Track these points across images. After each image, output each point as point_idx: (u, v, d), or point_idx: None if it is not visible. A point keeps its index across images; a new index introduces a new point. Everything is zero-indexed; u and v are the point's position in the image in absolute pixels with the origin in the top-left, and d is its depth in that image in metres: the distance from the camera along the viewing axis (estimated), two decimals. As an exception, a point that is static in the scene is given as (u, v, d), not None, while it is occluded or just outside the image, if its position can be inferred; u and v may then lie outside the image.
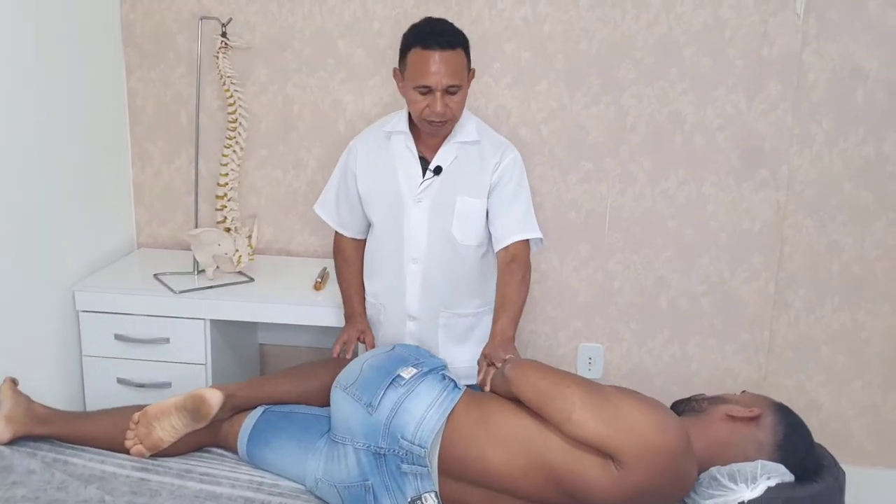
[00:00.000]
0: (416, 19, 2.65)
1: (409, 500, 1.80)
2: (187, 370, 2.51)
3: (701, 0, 2.58)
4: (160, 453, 1.99)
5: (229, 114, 2.58)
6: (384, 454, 1.81)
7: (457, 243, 2.23)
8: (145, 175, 2.90)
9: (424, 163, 2.24)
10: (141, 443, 1.97)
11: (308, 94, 2.78)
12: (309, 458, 1.90)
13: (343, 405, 1.87)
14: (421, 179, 2.22)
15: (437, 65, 2.04)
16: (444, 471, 1.80)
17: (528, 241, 2.23)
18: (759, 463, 1.72)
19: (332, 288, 2.58)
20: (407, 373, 1.92)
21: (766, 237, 2.75)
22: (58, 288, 2.48)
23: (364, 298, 2.39)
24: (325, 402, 2.06)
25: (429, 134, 2.20)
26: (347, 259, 2.41)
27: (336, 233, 2.45)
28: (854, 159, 2.66)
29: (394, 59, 2.70)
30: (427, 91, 2.07)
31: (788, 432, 1.78)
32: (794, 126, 2.65)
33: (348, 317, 2.36)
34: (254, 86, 2.77)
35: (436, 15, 2.24)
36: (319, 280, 2.58)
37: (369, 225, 2.37)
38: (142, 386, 2.51)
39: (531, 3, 2.64)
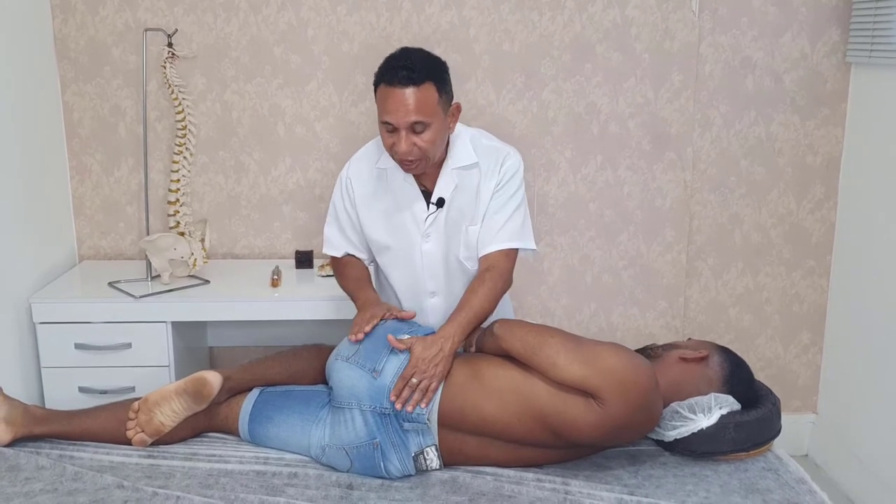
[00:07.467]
0: (348, 25, 2.85)
1: (412, 454, 1.96)
2: (151, 372, 2.57)
3: (609, 1, 2.86)
4: (160, 440, 2.06)
5: (178, 121, 2.65)
6: (388, 414, 1.96)
7: (468, 270, 2.19)
8: (84, 188, 2.92)
9: (426, 194, 2.15)
10: (143, 431, 2.03)
11: (246, 101, 2.88)
12: (313, 428, 2.02)
13: (347, 373, 2.00)
14: (426, 214, 2.14)
15: (397, 102, 1.94)
16: (443, 423, 1.97)
17: (509, 251, 2.14)
18: (712, 395, 1.98)
19: (289, 284, 2.70)
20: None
21: (676, 213, 3.05)
22: (10, 302, 2.49)
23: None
24: (312, 381, 2.19)
25: (406, 171, 2.09)
26: (354, 264, 2.28)
27: (339, 259, 2.30)
28: (748, 139, 3.00)
29: (327, 63, 2.88)
30: (392, 128, 1.99)
31: (733, 368, 2.05)
32: (696, 112, 2.96)
33: (365, 303, 2.14)
34: (191, 94, 2.84)
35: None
36: (276, 277, 2.69)
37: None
38: (104, 392, 2.55)
39: (457, 8, 2.84)
